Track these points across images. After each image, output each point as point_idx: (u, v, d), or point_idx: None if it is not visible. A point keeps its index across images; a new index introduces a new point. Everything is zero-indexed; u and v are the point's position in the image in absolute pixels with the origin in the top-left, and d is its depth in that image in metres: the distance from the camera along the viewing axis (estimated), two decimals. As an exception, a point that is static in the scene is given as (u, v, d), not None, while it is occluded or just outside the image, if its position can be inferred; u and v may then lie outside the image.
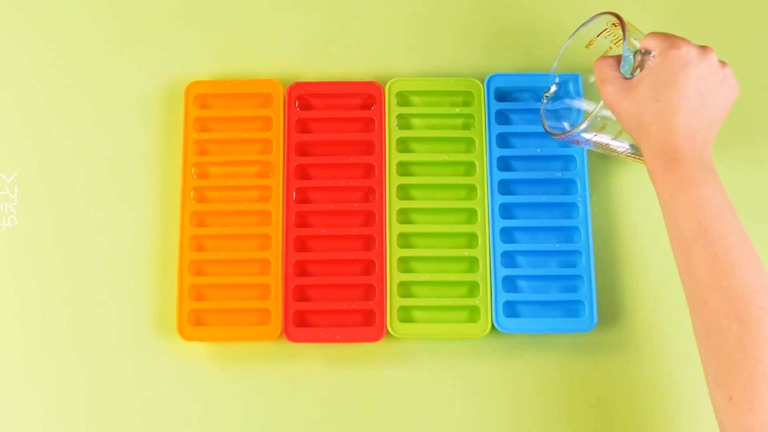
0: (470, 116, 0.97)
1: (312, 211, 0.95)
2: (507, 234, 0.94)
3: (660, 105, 0.77)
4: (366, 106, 0.97)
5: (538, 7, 1.02)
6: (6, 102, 0.99)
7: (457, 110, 0.97)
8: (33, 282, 0.94)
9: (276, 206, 0.94)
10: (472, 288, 0.93)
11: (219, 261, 0.93)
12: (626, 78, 0.80)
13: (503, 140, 0.96)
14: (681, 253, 0.76)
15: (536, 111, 0.96)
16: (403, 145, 0.97)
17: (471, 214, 0.95)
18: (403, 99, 0.98)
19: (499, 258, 0.93)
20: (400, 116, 0.97)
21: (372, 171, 0.95)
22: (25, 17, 1.01)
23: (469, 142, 0.96)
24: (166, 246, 0.95)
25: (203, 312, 0.92)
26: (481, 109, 0.96)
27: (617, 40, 0.87)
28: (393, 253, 0.93)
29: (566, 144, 0.95)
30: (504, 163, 0.96)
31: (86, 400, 0.91)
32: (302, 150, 0.96)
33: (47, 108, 0.99)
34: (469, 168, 0.96)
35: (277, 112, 0.96)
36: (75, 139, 0.98)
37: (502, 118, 0.97)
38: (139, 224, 0.95)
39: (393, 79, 0.97)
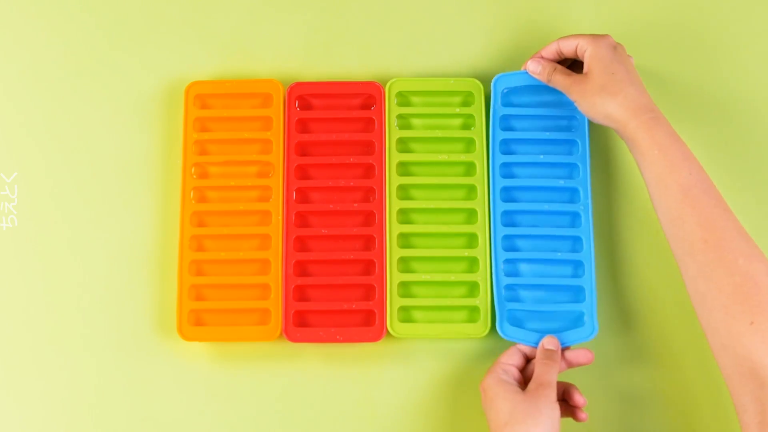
0: (470, 116, 0.97)
1: (312, 211, 0.95)
2: (509, 241, 0.93)
3: (617, 76, 0.87)
4: (366, 106, 0.97)
5: (538, 7, 1.02)
6: (6, 102, 0.99)
7: (457, 110, 0.97)
8: (33, 282, 0.94)
9: (276, 206, 0.94)
10: (472, 288, 0.93)
11: (219, 261, 0.93)
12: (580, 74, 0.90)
13: (506, 146, 0.95)
14: (675, 201, 0.81)
15: (541, 117, 0.96)
16: (403, 145, 0.97)
17: (471, 215, 0.95)
18: (403, 99, 0.98)
19: (501, 266, 0.92)
20: (400, 116, 0.97)
21: (372, 171, 0.95)
22: (25, 17, 1.01)
23: (469, 143, 0.96)
24: (166, 246, 0.95)
25: (203, 312, 0.92)
26: (481, 109, 0.96)
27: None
28: (393, 253, 0.93)
29: (569, 152, 0.95)
30: (507, 170, 0.95)
31: (86, 399, 0.91)
32: (302, 150, 0.96)
33: (47, 108, 0.99)
34: (469, 168, 0.96)
35: (277, 112, 0.96)
36: (75, 139, 0.98)
37: (506, 123, 0.96)
38: (139, 224, 0.95)
39: (393, 79, 0.97)
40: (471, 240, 0.94)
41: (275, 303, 0.92)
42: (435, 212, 0.95)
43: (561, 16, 1.01)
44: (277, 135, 0.95)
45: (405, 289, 0.93)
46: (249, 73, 0.99)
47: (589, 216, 0.93)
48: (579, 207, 0.93)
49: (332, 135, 0.96)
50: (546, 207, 0.94)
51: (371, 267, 0.93)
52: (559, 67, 0.92)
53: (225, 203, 0.95)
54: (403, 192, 0.96)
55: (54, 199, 0.96)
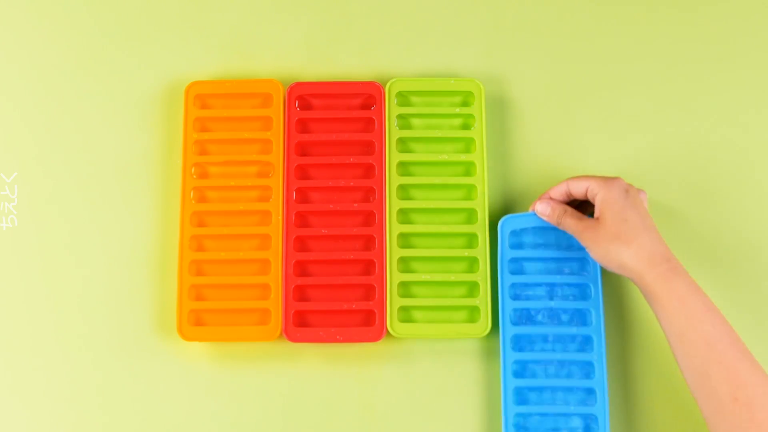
0: (470, 116, 0.97)
1: (312, 211, 0.95)
2: (520, 394, 0.89)
3: (630, 223, 0.84)
4: (366, 106, 0.97)
5: (538, 7, 1.02)
6: (6, 102, 0.99)
7: (457, 110, 0.97)
8: (33, 282, 0.94)
9: (276, 206, 0.94)
10: (472, 288, 0.93)
11: (219, 261, 0.93)
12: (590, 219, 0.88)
13: (515, 290, 0.92)
14: (700, 357, 0.78)
15: (551, 260, 0.92)
16: (403, 145, 0.97)
17: (471, 214, 0.95)
18: (403, 99, 0.98)
19: (511, 419, 0.89)
20: (400, 116, 0.97)
21: (372, 171, 0.95)
22: (25, 17, 1.01)
23: (469, 142, 0.96)
24: (166, 246, 0.95)
25: (203, 312, 0.92)
26: (481, 109, 0.96)
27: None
28: (393, 253, 0.93)
29: (582, 296, 0.91)
30: (518, 316, 0.91)
31: (87, 399, 0.91)
32: (302, 150, 0.96)
33: (47, 108, 0.99)
34: (469, 168, 0.96)
35: (277, 112, 0.96)
36: (75, 139, 0.98)
37: (514, 266, 0.92)
38: (139, 224, 0.95)
39: (393, 79, 0.97)
40: (471, 240, 0.94)
41: (275, 303, 0.92)
42: (435, 212, 0.95)
43: (561, 16, 1.01)
44: (277, 135, 0.96)
45: (405, 289, 0.93)
46: (249, 73, 0.99)
47: (603, 366, 0.89)
48: (593, 356, 0.89)
49: (332, 135, 0.96)
50: (558, 356, 0.90)
51: (371, 267, 0.93)
52: (569, 209, 0.89)
53: (225, 203, 0.95)
54: (403, 192, 0.96)
55: (54, 199, 0.96)
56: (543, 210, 0.90)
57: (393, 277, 0.92)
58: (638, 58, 1.00)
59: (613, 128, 0.98)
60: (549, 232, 0.92)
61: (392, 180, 0.95)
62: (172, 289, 0.93)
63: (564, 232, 0.90)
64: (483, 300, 0.92)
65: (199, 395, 0.92)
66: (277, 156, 0.95)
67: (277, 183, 0.95)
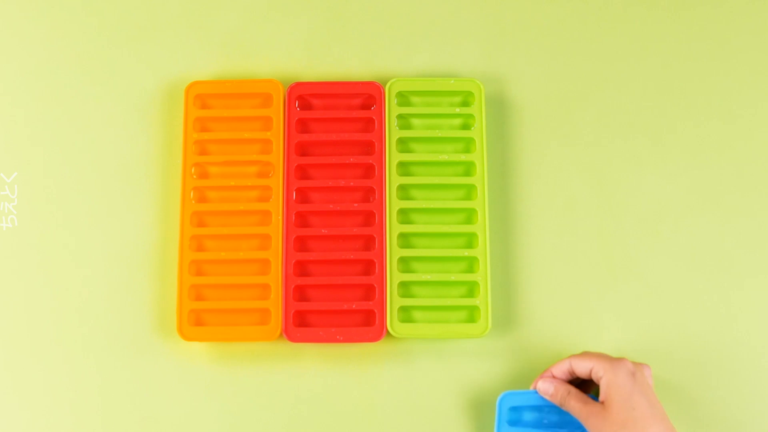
0: (470, 116, 0.97)
1: (312, 211, 0.95)
2: None
3: (638, 411, 0.81)
4: (366, 106, 0.97)
5: (538, 7, 1.02)
6: (6, 102, 0.99)
7: (457, 110, 0.97)
8: (33, 282, 0.94)
9: (276, 206, 0.94)
10: (472, 288, 0.93)
11: (219, 261, 0.93)
12: (596, 401, 0.84)
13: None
14: None
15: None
16: (403, 145, 0.97)
17: (471, 214, 0.95)
18: (403, 99, 0.98)
19: None
20: (400, 116, 0.97)
21: (372, 171, 0.95)
22: (25, 17, 1.01)
23: (469, 142, 0.96)
24: (166, 246, 0.95)
25: (203, 312, 0.92)
26: (481, 109, 0.96)
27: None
28: (393, 253, 0.93)
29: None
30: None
31: (86, 399, 0.91)
32: (302, 150, 0.96)
33: (47, 108, 0.99)
34: (469, 168, 0.96)
35: (277, 112, 0.96)
36: (75, 139, 0.98)
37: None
38: (139, 224, 0.95)
39: (393, 79, 0.97)
40: (471, 240, 0.94)
41: (275, 303, 0.92)
42: (435, 212, 0.95)
43: (561, 16, 1.01)
44: (277, 135, 0.96)
45: (405, 289, 0.93)
46: (249, 73, 1.00)
47: None
48: None
49: (332, 135, 0.96)
50: None
51: (371, 267, 0.93)
52: (573, 390, 0.85)
53: (225, 203, 0.95)
54: (403, 192, 0.96)
55: (54, 199, 0.96)
56: (546, 389, 0.86)
57: (393, 277, 0.93)
58: (638, 58, 1.00)
59: (614, 128, 0.98)
60: (550, 410, 0.88)
61: (392, 180, 0.95)
62: (172, 289, 0.93)
63: (565, 411, 0.86)
64: (483, 300, 0.92)
65: (199, 395, 0.92)
66: (277, 156, 0.95)
67: (277, 183, 0.95)
